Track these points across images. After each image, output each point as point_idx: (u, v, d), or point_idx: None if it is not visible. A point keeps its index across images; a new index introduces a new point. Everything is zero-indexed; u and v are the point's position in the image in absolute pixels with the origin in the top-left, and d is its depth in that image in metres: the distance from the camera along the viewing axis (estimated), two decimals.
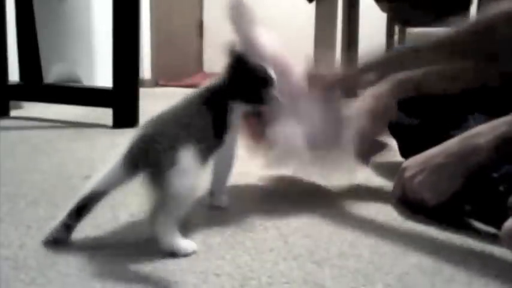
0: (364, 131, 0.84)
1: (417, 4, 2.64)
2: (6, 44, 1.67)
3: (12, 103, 1.74)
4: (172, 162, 0.59)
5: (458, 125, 0.84)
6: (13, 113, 1.72)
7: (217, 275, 0.54)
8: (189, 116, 0.66)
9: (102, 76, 2.14)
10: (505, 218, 0.62)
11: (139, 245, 0.62)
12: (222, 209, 0.77)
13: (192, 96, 0.69)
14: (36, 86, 1.70)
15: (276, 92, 0.71)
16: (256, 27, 0.75)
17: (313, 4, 1.76)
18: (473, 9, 2.65)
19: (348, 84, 0.88)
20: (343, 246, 0.63)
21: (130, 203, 0.78)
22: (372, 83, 0.89)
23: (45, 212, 0.73)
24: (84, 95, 1.66)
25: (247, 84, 0.69)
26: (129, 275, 0.54)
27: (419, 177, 0.74)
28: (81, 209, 0.62)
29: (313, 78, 0.80)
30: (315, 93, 0.79)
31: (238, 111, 0.71)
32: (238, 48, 0.71)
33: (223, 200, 0.78)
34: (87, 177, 0.92)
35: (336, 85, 0.84)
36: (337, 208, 0.79)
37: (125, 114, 1.52)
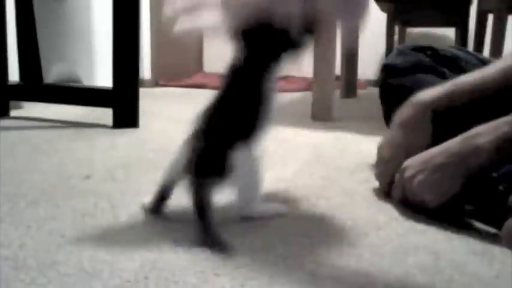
0: (393, 165, 0.80)
1: (417, 4, 2.64)
2: (6, 44, 1.66)
3: (12, 103, 1.74)
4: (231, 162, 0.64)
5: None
6: (13, 113, 1.72)
7: (217, 275, 0.54)
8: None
9: (102, 76, 2.14)
10: (505, 218, 0.63)
11: (140, 244, 0.62)
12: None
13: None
14: (36, 86, 1.70)
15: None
16: None
17: None
18: (473, 9, 2.66)
19: None
20: (343, 246, 0.63)
21: (130, 203, 0.78)
22: None
23: (45, 212, 0.73)
24: (84, 95, 1.66)
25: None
26: (129, 275, 0.54)
27: (420, 177, 0.74)
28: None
29: None
30: None
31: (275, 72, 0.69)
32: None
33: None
34: (87, 177, 0.93)
35: None
36: (337, 208, 0.79)
37: (125, 114, 1.52)
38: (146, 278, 0.53)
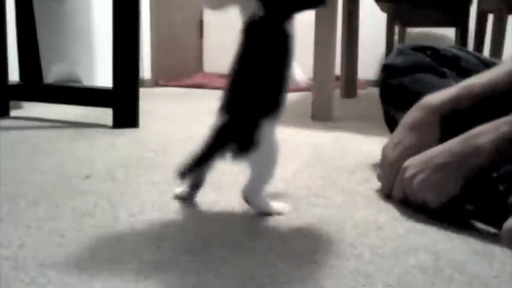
0: (399, 167, 0.80)
1: (417, 4, 2.65)
2: (6, 44, 1.67)
3: (12, 103, 1.74)
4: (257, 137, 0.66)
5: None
6: (13, 113, 1.72)
7: (217, 275, 0.54)
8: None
9: (102, 76, 2.14)
10: (505, 218, 0.62)
11: (140, 244, 0.62)
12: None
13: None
14: (36, 86, 1.70)
15: None
16: None
17: None
18: (473, 9, 2.66)
19: None
20: (343, 246, 0.63)
21: (130, 203, 0.78)
22: None
23: (45, 212, 0.73)
24: (84, 95, 1.66)
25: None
26: (129, 275, 0.54)
27: (420, 177, 0.74)
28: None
29: None
30: None
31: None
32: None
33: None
34: (87, 177, 0.93)
35: None
36: (337, 208, 0.79)
37: (125, 114, 1.52)
38: (146, 278, 0.53)
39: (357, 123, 1.71)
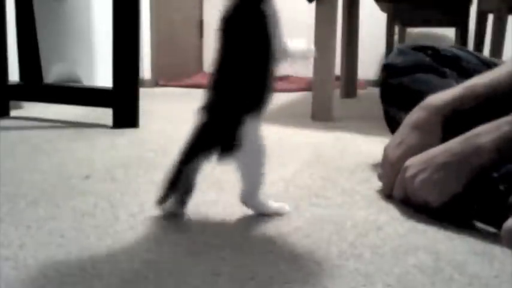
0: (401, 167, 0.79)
1: (417, 4, 2.65)
2: (6, 44, 1.67)
3: (12, 103, 1.74)
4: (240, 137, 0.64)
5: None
6: (13, 113, 1.72)
7: (217, 275, 0.54)
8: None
9: (102, 76, 2.14)
10: (505, 218, 0.62)
11: (140, 245, 0.62)
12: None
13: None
14: (36, 86, 1.70)
15: None
16: None
17: (313, 4, 1.76)
18: (473, 9, 2.66)
19: None
20: (343, 246, 0.63)
21: (130, 203, 0.78)
22: None
23: (45, 212, 0.73)
24: (84, 95, 1.66)
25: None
26: (129, 275, 0.54)
27: (421, 176, 0.73)
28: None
29: None
30: None
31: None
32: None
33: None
34: (87, 177, 0.93)
35: None
36: (337, 208, 0.79)
37: (125, 114, 1.52)
38: (146, 278, 0.53)
39: (357, 123, 1.71)
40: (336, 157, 1.17)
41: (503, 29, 2.19)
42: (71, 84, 2.12)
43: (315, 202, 0.81)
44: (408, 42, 2.95)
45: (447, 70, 0.98)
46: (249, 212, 0.74)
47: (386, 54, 2.80)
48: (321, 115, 1.77)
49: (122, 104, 1.52)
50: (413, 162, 0.76)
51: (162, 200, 0.68)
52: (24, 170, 0.98)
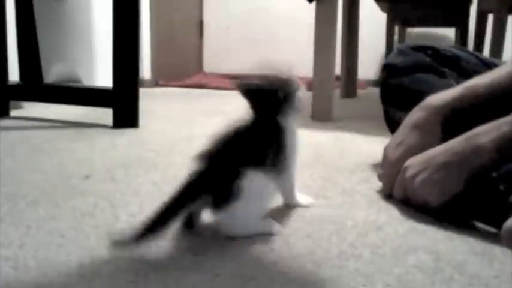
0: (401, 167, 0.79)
1: (417, 4, 2.65)
2: (6, 44, 1.67)
3: (12, 103, 1.74)
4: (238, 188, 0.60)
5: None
6: (13, 113, 1.72)
7: (217, 275, 0.54)
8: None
9: (102, 76, 2.14)
10: (505, 218, 0.62)
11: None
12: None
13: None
14: (36, 86, 1.70)
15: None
16: None
17: (313, 4, 1.76)
18: (473, 9, 2.66)
19: None
20: (343, 246, 0.63)
21: (130, 203, 0.78)
22: None
23: (45, 212, 0.73)
24: (84, 95, 1.66)
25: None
26: (129, 275, 0.54)
27: (422, 176, 0.73)
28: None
29: None
30: None
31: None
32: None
33: (295, 197, 0.77)
34: (87, 177, 0.93)
35: None
36: (337, 208, 0.79)
37: (125, 114, 1.52)
38: (146, 278, 0.53)
39: (357, 123, 1.71)
40: (336, 157, 1.17)
41: (503, 29, 2.19)
42: (71, 84, 2.12)
43: (315, 202, 0.81)
44: (408, 42, 2.95)
45: (447, 70, 0.98)
46: None
47: (386, 54, 2.80)
48: (320, 115, 1.77)
49: (122, 104, 1.52)
50: (414, 162, 0.76)
51: (136, 239, 0.58)
52: (24, 170, 0.98)
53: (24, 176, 0.93)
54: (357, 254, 0.61)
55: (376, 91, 1.13)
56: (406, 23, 3.09)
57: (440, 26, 3.11)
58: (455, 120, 0.81)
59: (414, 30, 3.29)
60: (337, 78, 2.26)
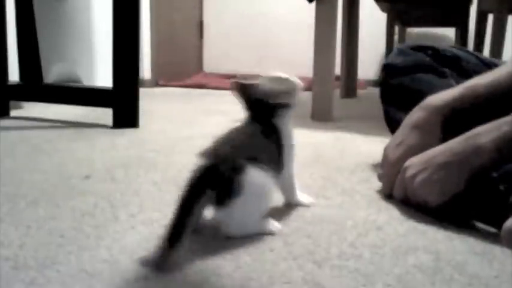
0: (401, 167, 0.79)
1: (417, 4, 2.65)
2: (6, 44, 1.67)
3: (12, 103, 1.74)
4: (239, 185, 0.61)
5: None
6: (13, 113, 1.72)
7: (217, 275, 0.54)
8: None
9: (102, 76, 2.14)
10: (505, 218, 0.62)
11: (140, 245, 0.62)
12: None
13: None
14: (36, 86, 1.70)
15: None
16: None
17: (313, 4, 1.76)
18: (473, 9, 2.66)
19: None
20: (343, 246, 0.63)
21: (130, 203, 0.78)
22: None
23: (45, 212, 0.73)
24: (84, 95, 1.66)
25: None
26: (128, 275, 0.54)
27: (421, 176, 0.73)
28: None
29: None
30: None
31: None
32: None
33: (296, 196, 0.77)
34: (87, 177, 0.93)
35: None
36: (337, 208, 0.79)
37: (125, 114, 1.52)
38: (146, 278, 0.53)
39: (357, 123, 1.71)
40: (336, 157, 1.17)
41: (503, 29, 2.19)
42: (71, 84, 2.12)
43: (315, 202, 0.81)
44: (408, 42, 2.95)
45: (447, 70, 0.98)
46: None
47: (386, 54, 2.80)
48: (320, 115, 1.77)
49: (122, 104, 1.52)
50: (413, 162, 0.76)
51: (166, 254, 0.56)
52: (24, 170, 0.98)
53: (24, 176, 0.93)
54: (357, 254, 0.61)
55: (376, 91, 1.13)
56: (406, 23, 3.10)
57: (440, 26, 3.11)
58: (455, 120, 0.81)
59: (414, 30, 3.29)
60: (337, 78, 2.26)
